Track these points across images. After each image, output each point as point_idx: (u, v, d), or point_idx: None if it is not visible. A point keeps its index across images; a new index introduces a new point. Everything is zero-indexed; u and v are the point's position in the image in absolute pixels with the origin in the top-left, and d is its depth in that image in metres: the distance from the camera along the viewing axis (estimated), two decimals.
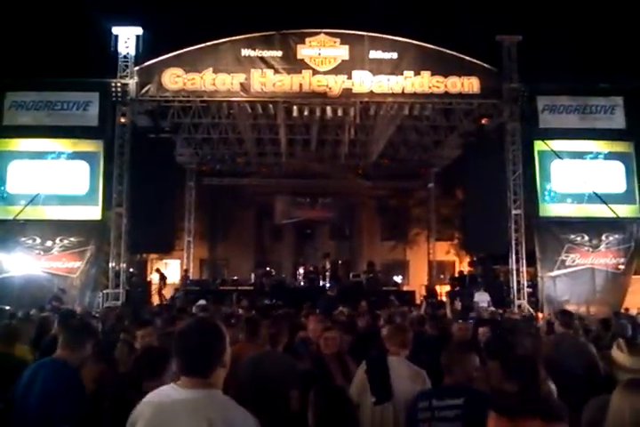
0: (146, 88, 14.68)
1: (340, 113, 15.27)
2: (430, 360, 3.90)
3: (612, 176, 15.29)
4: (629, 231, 15.05)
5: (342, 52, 14.81)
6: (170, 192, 18.42)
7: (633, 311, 12.87)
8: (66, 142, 14.77)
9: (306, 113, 15.28)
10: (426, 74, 14.80)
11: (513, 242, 15.16)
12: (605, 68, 18.89)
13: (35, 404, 3.52)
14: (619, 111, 15.42)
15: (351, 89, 14.75)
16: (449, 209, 24.58)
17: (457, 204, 23.54)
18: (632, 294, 14.62)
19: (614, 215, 14.93)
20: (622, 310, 13.03)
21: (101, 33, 15.06)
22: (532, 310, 14.50)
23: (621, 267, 14.92)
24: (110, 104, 14.69)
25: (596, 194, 14.88)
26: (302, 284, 19.53)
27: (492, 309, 12.69)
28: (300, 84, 14.67)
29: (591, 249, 14.92)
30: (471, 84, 14.84)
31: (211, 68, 14.58)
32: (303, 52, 14.77)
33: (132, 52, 14.75)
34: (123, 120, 14.90)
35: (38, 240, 14.33)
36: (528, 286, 15.31)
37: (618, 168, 15.36)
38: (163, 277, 19.37)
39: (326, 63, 14.74)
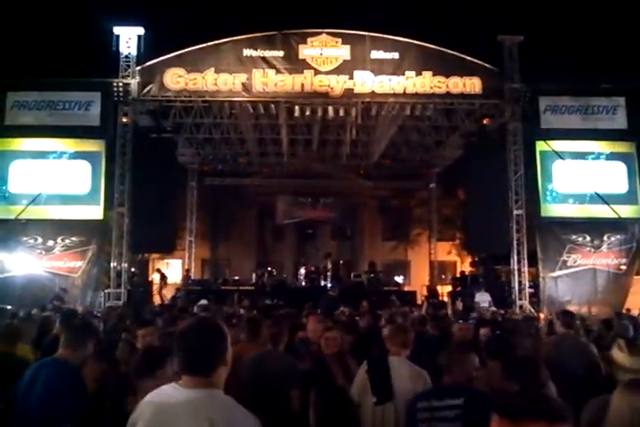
0: (147, 88, 14.69)
1: (341, 113, 15.28)
2: (431, 360, 3.90)
3: (614, 177, 15.27)
4: (631, 232, 15.03)
5: (344, 52, 14.81)
6: (171, 192, 18.43)
7: (634, 312, 12.84)
8: (68, 142, 14.79)
9: (307, 113, 15.29)
10: (427, 74, 14.79)
11: (514, 242, 15.15)
12: (607, 68, 18.87)
13: (36, 403, 3.52)
14: (620, 112, 15.40)
15: (353, 89, 14.75)
16: (450, 209, 24.56)
17: (458, 204, 23.51)
18: (634, 294, 14.60)
19: (616, 216, 14.91)
20: (624, 311, 13.01)
21: (103, 33, 15.11)
22: (533, 310, 14.49)
23: (623, 267, 14.90)
24: (112, 104, 14.70)
25: (598, 194, 14.87)
26: (303, 284, 19.54)
27: (494, 309, 12.68)
28: (302, 85, 14.67)
29: (593, 249, 14.90)
30: (473, 85, 14.83)
31: (212, 68, 14.59)
32: (305, 52, 14.78)
33: (134, 51, 14.76)
34: (124, 120, 14.91)
35: (40, 240, 14.35)
36: (529, 287, 15.29)
37: (620, 168, 15.34)
38: (163, 277, 19.39)
39: (328, 63, 14.74)
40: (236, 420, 2.23)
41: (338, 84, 14.68)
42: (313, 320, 5.75)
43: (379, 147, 19.49)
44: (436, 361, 3.66)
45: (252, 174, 24.01)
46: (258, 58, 14.68)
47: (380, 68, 14.79)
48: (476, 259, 20.27)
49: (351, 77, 14.71)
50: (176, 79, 14.59)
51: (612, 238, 14.95)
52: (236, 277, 20.64)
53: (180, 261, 23.58)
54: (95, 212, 14.69)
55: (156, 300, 17.75)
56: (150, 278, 19.47)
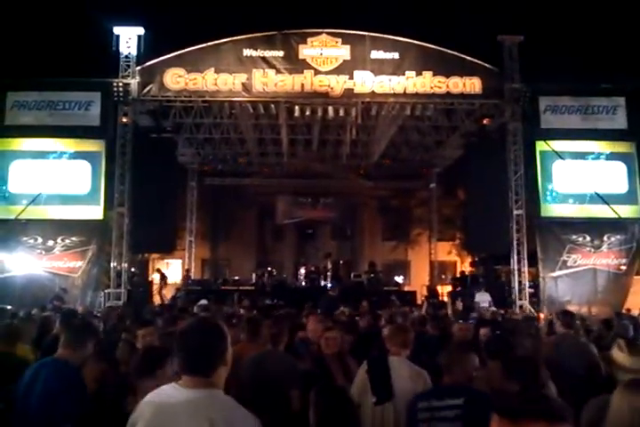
0: (147, 88, 14.69)
1: (341, 113, 15.28)
2: (431, 360, 3.90)
3: (614, 177, 15.27)
4: (631, 232, 15.03)
5: (344, 52, 14.80)
6: (171, 192, 18.43)
7: (635, 312, 12.84)
8: (68, 142, 14.79)
9: (307, 113, 15.29)
10: (427, 74, 14.79)
11: (514, 242, 15.15)
12: (607, 68, 18.87)
13: (36, 403, 3.52)
14: (620, 112, 15.40)
15: (353, 89, 14.75)
16: (450, 209, 24.56)
17: (458, 204, 23.51)
18: (634, 294, 14.60)
19: (616, 216, 14.91)
20: (624, 311, 13.01)
21: (103, 33, 15.10)
22: (533, 310, 14.49)
23: (623, 267, 14.90)
24: (112, 104, 14.70)
25: (598, 194, 14.87)
26: (303, 284, 19.54)
27: (494, 309, 12.69)
28: (302, 84, 14.67)
29: (593, 249, 14.90)
30: (473, 85, 14.83)
31: (212, 68, 14.59)
32: (305, 52, 14.78)
33: (134, 51, 14.76)
34: (124, 120, 14.91)
35: (40, 240, 14.35)
36: (529, 287, 15.29)
37: (620, 168, 15.33)
38: (163, 277, 19.37)
39: (328, 63, 14.73)
40: (236, 420, 2.23)
41: (338, 84, 14.68)
42: (313, 320, 5.75)
43: (379, 147, 19.49)
44: (436, 361, 3.66)
45: (252, 174, 24.02)
46: (258, 58, 14.67)
47: (380, 68, 14.78)
48: (476, 259, 20.27)
49: (351, 77, 14.71)
50: (176, 79, 14.59)
51: (612, 238, 14.95)
52: (236, 278, 20.64)
53: (180, 261, 23.58)
54: (95, 212, 14.69)
55: (156, 300, 17.75)
56: (150, 278, 19.47)
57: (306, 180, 24.30)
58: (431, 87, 14.81)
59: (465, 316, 9.86)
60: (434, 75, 14.79)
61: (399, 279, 22.22)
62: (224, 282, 20.11)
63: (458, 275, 21.04)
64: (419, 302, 17.43)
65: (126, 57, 14.72)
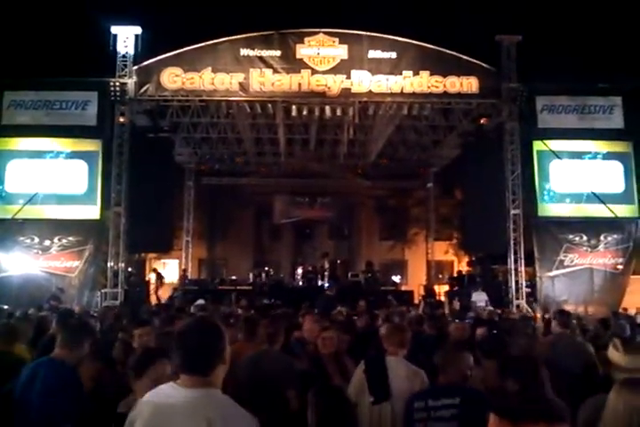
0: (144, 87, 14.67)
1: (338, 113, 15.26)
2: (429, 360, 3.90)
3: (611, 176, 15.29)
4: (628, 231, 15.05)
5: (341, 52, 14.80)
6: (168, 192, 18.41)
7: (631, 311, 12.88)
8: (64, 142, 14.76)
9: (305, 113, 15.27)
10: (425, 74, 14.80)
11: (511, 242, 15.16)
12: (604, 68, 18.90)
13: (34, 403, 3.52)
14: (617, 111, 15.42)
15: (350, 89, 14.75)
16: (448, 209, 24.60)
17: (456, 203, 23.56)
18: (630, 293, 14.63)
19: (613, 215, 14.94)
20: (620, 310, 13.03)
21: (100, 32, 15.06)
22: (530, 309, 14.50)
23: (620, 267, 14.93)
24: (109, 103, 14.67)
25: (595, 194, 14.89)
26: (301, 283, 19.52)
27: (490, 308, 12.69)
28: (299, 84, 14.67)
29: (590, 249, 14.93)
30: (470, 84, 14.84)
31: (209, 68, 14.57)
32: (302, 51, 14.77)
33: (131, 51, 14.74)
34: (121, 120, 14.89)
35: (37, 239, 14.32)
36: (526, 286, 15.30)
37: (616, 168, 15.36)
38: (159, 277, 19.31)
39: (325, 63, 14.73)
40: (233, 419, 2.23)
41: (335, 83, 14.68)
42: (309, 320, 5.74)
43: (376, 146, 19.49)
44: (434, 361, 3.66)
45: (249, 174, 24.00)
46: (255, 57, 14.66)
47: (377, 67, 14.78)
48: (474, 258, 20.29)
49: (348, 77, 14.71)
50: (173, 79, 14.57)
51: (609, 238, 14.98)
52: (234, 277, 20.62)
53: (177, 260, 23.53)
54: (92, 211, 14.66)
55: (153, 300, 17.71)
56: (147, 278, 19.44)
57: (303, 179, 24.29)
58: (428, 87, 14.82)
59: (461, 315, 9.86)
60: (431, 74, 14.80)
61: (396, 279, 22.25)
62: (221, 282, 20.08)
63: (455, 274, 21.04)
64: (416, 301, 17.44)
65: (123, 56, 14.70)
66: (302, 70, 14.67)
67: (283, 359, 4.46)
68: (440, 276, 24.43)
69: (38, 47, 20.13)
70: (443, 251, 25.12)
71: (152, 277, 19.50)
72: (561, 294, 14.63)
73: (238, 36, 14.83)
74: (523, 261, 15.18)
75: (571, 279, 14.76)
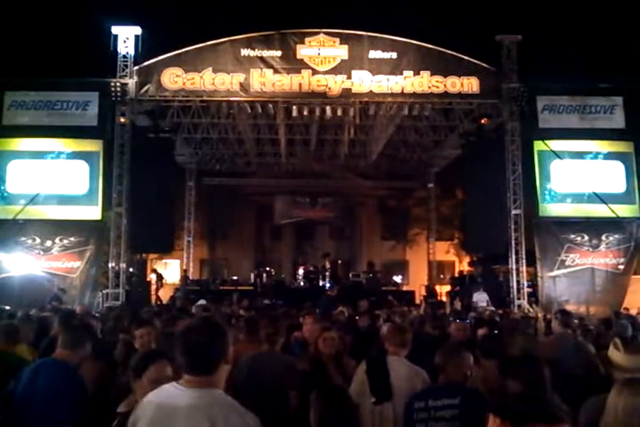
0: (145, 88, 14.68)
1: (339, 113, 15.25)
2: (430, 360, 3.90)
3: (612, 176, 15.28)
4: (629, 231, 15.04)
5: (342, 52, 14.81)
6: (169, 192, 18.43)
7: (633, 311, 12.87)
8: (65, 142, 14.77)
9: (305, 113, 15.26)
10: (425, 74, 14.80)
11: (513, 242, 15.14)
12: (605, 68, 18.90)
13: (36, 404, 3.52)
14: (618, 111, 15.41)
15: (351, 89, 14.75)
16: (449, 209, 24.60)
17: (457, 204, 23.56)
18: (632, 293, 14.62)
19: (614, 215, 14.92)
20: (622, 310, 13.03)
21: (101, 33, 15.06)
22: (531, 309, 14.49)
23: (621, 267, 14.91)
24: (110, 104, 14.66)
25: (596, 194, 14.88)
26: (302, 284, 19.53)
27: (492, 309, 12.70)
28: (300, 84, 14.67)
29: (591, 249, 14.91)
30: (471, 84, 14.84)
31: (210, 68, 14.58)
32: (302, 51, 14.77)
33: (132, 51, 14.74)
34: (122, 120, 14.88)
35: (38, 240, 14.33)
36: (528, 286, 15.29)
37: (618, 168, 15.35)
38: (160, 278, 19.30)
39: (326, 63, 14.73)
40: (236, 419, 2.24)
41: (336, 83, 14.68)
42: (309, 320, 5.74)
43: (377, 146, 19.50)
44: (434, 361, 3.66)
45: (250, 174, 24.01)
46: (255, 58, 14.67)
47: (378, 67, 14.78)
48: (475, 258, 20.29)
49: (349, 77, 14.71)
50: (174, 79, 14.58)
51: (611, 238, 14.97)
52: (235, 278, 20.64)
53: (178, 261, 23.55)
54: (93, 212, 14.66)
55: (154, 300, 17.71)
56: (148, 279, 19.44)
57: (304, 179, 24.28)
58: (429, 87, 14.82)
59: (462, 315, 9.86)
60: (432, 74, 14.80)
61: (398, 279, 22.22)
62: (223, 282, 20.10)
63: (456, 274, 21.05)
64: (417, 301, 17.45)
65: (124, 57, 14.71)
66: (303, 70, 14.68)
67: (283, 360, 4.46)
68: (441, 276, 24.42)
69: (39, 47, 20.16)
70: (444, 251, 25.10)
71: (154, 277, 19.51)
72: (562, 294, 14.61)
73: (239, 37, 14.83)
74: (524, 261, 15.16)
75: (572, 279, 14.75)
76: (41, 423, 3.49)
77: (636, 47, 19.56)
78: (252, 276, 19.98)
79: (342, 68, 14.73)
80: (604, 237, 14.94)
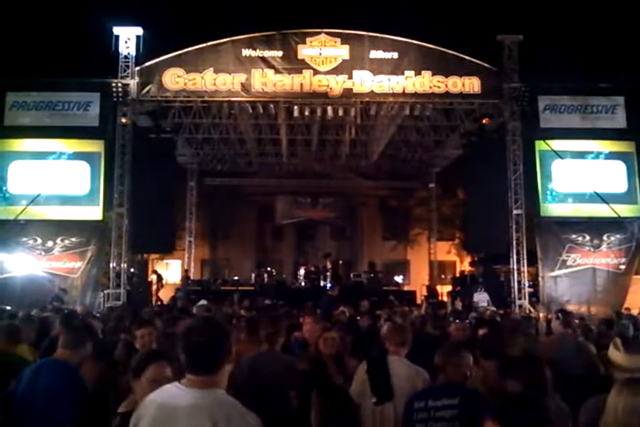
0: (147, 88, 14.69)
1: (340, 113, 15.26)
2: (431, 360, 3.90)
3: (614, 176, 15.27)
4: (631, 231, 15.03)
5: (343, 52, 14.81)
6: (171, 192, 18.43)
7: (634, 311, 12.85)
8: (67, 142, 14.79)
9: (307, 113, 15.27)
10: (427, 74, 14.80)
11: (514, 242, 15.12)
12: (606, 67, 18.88)
13: (37, 404, 3.53)
14: (620, 111, 15.40)
15: (352, 89, 14.75)
16: (450, 209, 24.58)
17: (458, 204, 23.55)
18: (633, 293, 14.60)
19: (615, 215, 14.91)
20: (623, 310, 13.01)
21: (102, 33, 15.09)
22: (532, 309, 14.49)
23: (622, 267, 14.91)
24: (111, 104, 14.68)
25: (598, 194, 14.87)
26: (303, 284, 19.53)
27: (493, 309, 12.69)
28: (301, 84, 14.68)
29: (592, 249, 14.90)
30: (472, 84, 14.84)
31: (211, 68, 14.59)
32: (304, 51, 14.78)
33: (133, 52, 14.75)
34: (123, 120, 14.89)
35: (39, 240, 14.35)
36: (529, 286, 15.29)
37: (619, 168, 15.34)
38: (160, 279, 19.28)
39: (327, 63, 14.74)
40: (238, 420, 2.25)
41: (337, 84, 14.68)
42: (308, 321, 5.74)
43: (378, 146, 19.50)
44: (434, 361, 3.66)
45: (251, 174, 24.02)
46: (257, 58, 14.68)
47: (379, 67, 14.79)
48: (476, 258, 20.27)
49: (350, 77, 14.72)
50: (175, 79, 14.59)
51: (612, 238, 14.96)
52: (236, 278, 20.64)
53: (179, 261, 23.56)
54: (94, 212, 14.68)
55: (154, 301, 17.71)
56: (150, 279, 19.44)
57: (305, 180, 24.28)
58: (430, 87, 14.82)
59: (462, 315, 9.84)
60: (433, 74, 14.80)
61: (399, 279, 22.21)
62: (224, 282, 20.10)
63: (457, 274, 21.04)
64: (418, 301, 17.44)
65: (125, 57, 14.72)
66: (304, 71, 14.69)
67: (284, 360, 4.46)
68: (442, 276, 24.41)
69: (40, 48, 20.17)
70: (445, 251, 25.10)
71: (155, 278, 19.52)
72: (563, 294, 14.61)
73: (240, 37, 14.84)
74: (525, 261, 15.15)
75: (573, 279, 14.74)
76: (42, 423, 3.50)
77: (637, 47, 19.56)
78: (253, 276, 19.98)
79: (343, 69, 14.73)
80: (605, 237, 14.94)
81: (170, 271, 23.99)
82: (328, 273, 19.19)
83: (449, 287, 19.97)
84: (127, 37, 14.80)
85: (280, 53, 14.73)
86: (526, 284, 15.18)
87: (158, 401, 2.34)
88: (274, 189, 25.62)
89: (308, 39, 14.84)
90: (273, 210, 26.38)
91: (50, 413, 3.49)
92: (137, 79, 14.70)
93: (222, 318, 6.80)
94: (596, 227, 14.98)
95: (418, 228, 26.01)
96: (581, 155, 15.24)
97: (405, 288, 21.29)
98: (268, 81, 14.66)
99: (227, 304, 12.34)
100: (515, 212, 15.15)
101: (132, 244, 15.18)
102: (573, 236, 14.89)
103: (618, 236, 14.97)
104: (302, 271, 20.01)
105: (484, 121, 15.41)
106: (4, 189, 14.59)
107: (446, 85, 14.80)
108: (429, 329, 7.35)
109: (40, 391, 3.56)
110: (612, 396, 2.29)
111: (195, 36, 15.83)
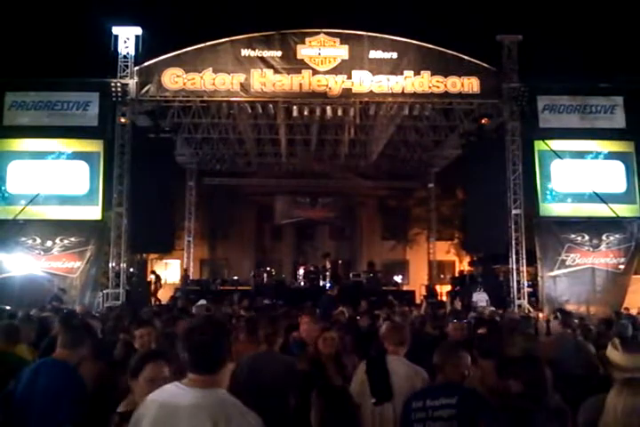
0: (146, 88, 14.69)
1: (339, 113, 15.26)
2: (430, 360, 3.90)
3: (613, 176, 15.29)
4: (630, 231, 15.04)
5: (342, 52, 14.81)
6: (170, 192, 18.44)
7: (633, 311, 12.86)
8: (66, 142, 14.78)
9: (306, 113, 15.27)
10: (426, 74, 14.81)
11: (513, 242, 15.13)
12: (606, 67, 18.90)
13: (36, 403, 3.52)
14: (619, 111, 15.42)
15: (351, 89, 14.75)
16: (449, 209, 24.60)
17: (457, 203, 23.57)
18: (632, 293, 14.61)
19: (614, 215, 14.92)
20: (622, 310, 13.02)
21: (101, 33, 15.08)
22: (532, 309, 14.49)
23: (621, 267, 14.92)
24: (110, 104, 14.67)
25: (597, 194, 14.88)
26: (302, 284, 19.53)
27: (492, 308, 12.69)
28: (300, 84, 14.68)
29: (591, 249, 14.91)
30: (471, 84, 14.84)
31: (210, 68, 14.59)
32: (303, 51, 14.78)
33: (132, 51, 14.76)
34: (122, 120, 14.88)
35: (38, 240, 14.34)
36: (528, 286, 15.30)
37: (618, 168, 15.35)
38: (158, 280, 19.25)
39: (326, 63, 14.74)
40: (238, 419, 2.26)
41: (336, 83, 14.68)
42: (305, 320, 5.73)
43: (377, 146, 19.50)
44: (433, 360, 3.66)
45: (250, 174, 24.02)
46: (256, 58, 14.68)
47: (378, 67, 14.79)
48: (475, 258, 20.28)
49: (349, 77, 14.72)
50: (174, 79, 14.59)
51: (611, 238, 14.97)
52: (235, 278, 20.65)
53: (178, 261, 23.56)
54: (93, 212, 14.67)
55: (153, 302, 17.69)
56: (149, 279, 19.43)
57: (304, 179, 24.29)
58: (429, 87, 14.83)
59: (460, 315, 9.84)
60: (432, 74, 14.80)
61: (398, 279, 22.22)
62: (223, 282, 20.11)
63: (457, 274, 21.04)
64: (417, 301, 17.45)
65: (124, 57, 14.72)
66: (303, 70, 14.68)
67: (282, 360, 4.46)
68: (442, 276, 24.42)
69: (39, 48, 20.16)
70: (444, 251, 25.11)
71: (153, 278, 19.50)
72: (563, 294, 14.62)
73: (239, 37, 14.84)
74: (524, 260, 15.16)
75: (572, 279, 14.75)
76: (41, 423, 3.49)
77: (636, 47, 19.57)
78: (252, 276, 19.97)
79: (343, 68, 14.73)
80: (604, 237, 14.95)
81: (169, 271, 24.00)
82: (327, 273, 19.19)
83: (448, 287, 19.98)
84: (126, 37, 14.80)
85: (279, 53, 14.73)
86: (525, 284, 15.19)
87: (159, 401, 2.35)
88: (273, 189, 25.62)
89: (307, 39, 14.85)
90: (272, 210, 26.39)
91: (49, 412, 3.48)
92: (136, 79, 14.70)
93: (222, 318, 6.80)
94: (596, 227, 14.99)
95: (417, 228, 26.02)
96: (580, 155, 15.25)
97: (404, 288, 21.30)
98: (267, 81, 14.66)
99: (226, 304, 12.35)
100: (514, 211, 15.16)
101: (132, 243, 15.18)
102: (572, 236, 14.89)
103: (617, 236, 14.98)
104: (301, 271, 20.01)
105: (482, 121, 15.41)
106: (3, 188, 14.58)
107: (445, 85, 14.81)
108: (429, 329, 7.35)
109: (39, 391, 3.55)
110: (612, 396, 2.29)
111: (194, 35, 15.85)
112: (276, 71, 14.68)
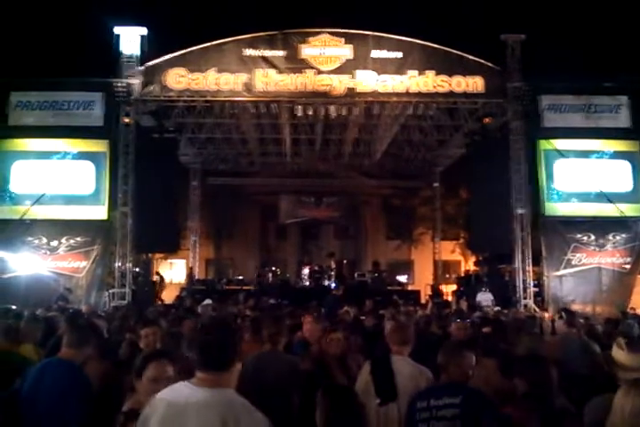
0: (150, 88, 14.71)
1: (343, 112, 15.27)
2: (435, 360, 3.90)
3: (619, 175, 15.21)
4: (635, 230, 14.97)
5: (346, 52, 14.80)
6: (174, 192, 18.47)
7: (639, 311, 12.81)
8: (71, 142, 14.81)
9: (309, 112, 15.28)
10: (430, 73, 14.78)
11: (518, 241, 15.09)
12: (610, 66, 18.81)
13: (42, 403, 3.54)
14: (624, 110, 15.35)
15: (355, 88, 14.74)
16: (454, 208, 24.54)
17: (461, 203, 23.51)
18: (638, 293, 14.56)
19: (620, 214, 14.86)
20: (628, 310, 12.97)
21: (105, 33, 15.10)
22: (537, 309, 14.45)
23: (628, 266, 14.85)
24: (115, 104, 14.71)
25: (603, 193, 14.82)
26: (307, 283, 19.54)
27: (497, 308, 12.67)
28: (304, 84, 14.67)
29: (597, 248, 14.85)
30: (475, 84, 14.81)
31: (214, 68, 14.60)
32: (306, 51, 14.77)
33: (136, 51, 14.77)
34: (126, 120, 14.91)
35: (44, 240, 14.37)
36: (534, 286, 15.24)
37: (624, 167, 15.28)
38: (161, 280, 19.27)
39: (329, 63, 14.73)
40: (246, 419, 2.27)
41: (340, 83, 14.67)
42: (308, 320, 5.73)
43: (381, 146, 19.49)
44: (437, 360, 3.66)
45: (254, 174, 24.04)
46: (259, 58, 14.68)
47: (382, 67, 14.77)
48: (480, 258, 20.24)
49: (353, 77, 14.71)
50: (178, 79, 14.61)
51: (617, 237, 14.90)
52: (241, 277, 20.67)
53: (183, 260, 23.61)
54: (99, 212, 14.71)
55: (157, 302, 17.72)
56: (155, 278, 19.48)
57: (309, 179, 24.28)
58: (434, 86, 14.80)
59: (464, 314, 9.83)
60: (436, 74, 14.78)
61: (403, 279, 22.23)
62: (228, 282, 20.13)
63: (462, 274, 21.01)
64: (422, 301, 17.43)
65: (129, 57, 14.73)
66: (307, 70, 14.68)
67: (286, 359, 4.46)
68: (447, 275, 24.37)
69: (44, 48, 20.19)
70: (449, 250, 25.05)
71: (157, 278, 19.53)
72: (568, 294, 14.56)
73: (242, 37, 14.85)
74: (530, 260, 15.10)
75: (578, 279, 14.69)
76: (47, 422, 3.51)
77: None
78: (257, 275, 19.99)
79: (347, 68, 14.72)
80: (610, 237, 14.88)
81: (174, 271, 24.05)
82: (332, 272, 19.21)
83: (453, 287, 19.95)
84: (130, 37, 14.80)
85: (282, 53, 14.74)
86: (531, 283, 15.13)
87: (168, 400, 2.36)
88: (277, 189, 25.64)
89: (310, 39, 14.84)
90: (276, 209, 26.40)
91: (55, 412, 3.50)
92: (140, 79, 14.71)
93: (228, 318, 6.82)
94: (601, 226, 14.93)
95: (422, 227, 25.97)
96: (585, 154, 15.19)
97: (409, 288, 21.28)
98: (270, 81, 14.67)
99: (231, 304, 12.37)
100: (519, 211, 15.12)
101: (137, 243, 15.21)
102: (578, 235, 14.83)
103: (623, 235, 14.91)
104: (306, 271, 20.03)
105: (487, 120, 15.39)
106: (9, 188, 14.63)
107: (450, 85, 14.78)
108: (434, 329, 7.34)
109: (45, 390, 3.57)
110: (619, 396, 2.29)
111: (197, 36, 15.85)
112: (280, 71, 14.68)
